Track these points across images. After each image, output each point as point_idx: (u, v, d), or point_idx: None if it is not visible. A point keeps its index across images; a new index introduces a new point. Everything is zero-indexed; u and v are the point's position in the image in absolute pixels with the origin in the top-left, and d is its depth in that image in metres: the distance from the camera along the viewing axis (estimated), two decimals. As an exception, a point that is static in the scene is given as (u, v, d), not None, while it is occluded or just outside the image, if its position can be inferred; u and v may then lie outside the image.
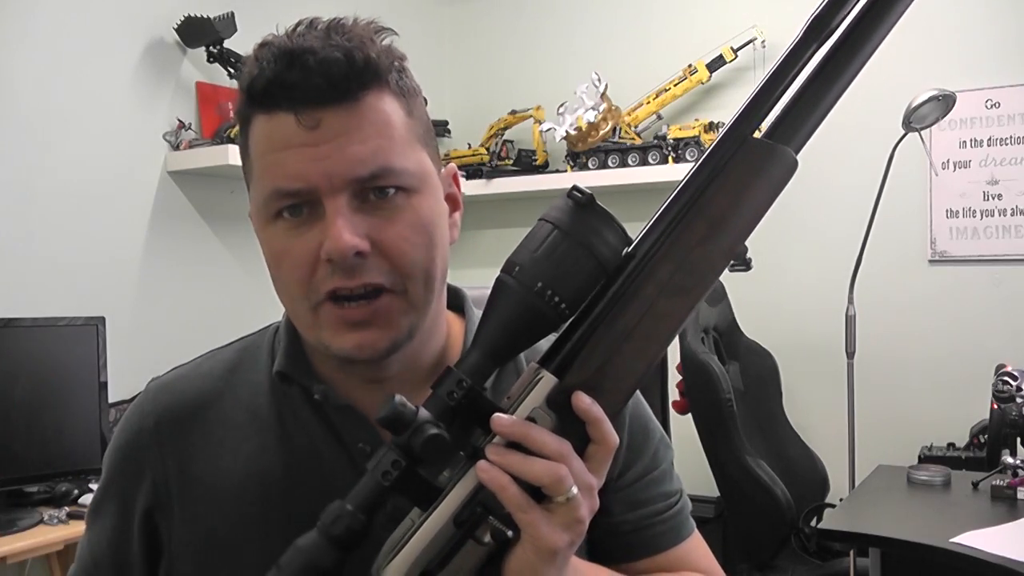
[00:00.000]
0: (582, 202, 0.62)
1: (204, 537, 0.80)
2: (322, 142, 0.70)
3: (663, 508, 0.87)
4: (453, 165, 0.84)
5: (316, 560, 0.62)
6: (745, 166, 0.63)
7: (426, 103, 0.80)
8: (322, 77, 0.69)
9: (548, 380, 0.63)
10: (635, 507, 0.85)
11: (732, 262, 0.65)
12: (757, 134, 0.65)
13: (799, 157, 0.65)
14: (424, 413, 0.62)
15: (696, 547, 0.89)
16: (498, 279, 0.64)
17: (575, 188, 0.63)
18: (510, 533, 0.63)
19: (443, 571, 0.63)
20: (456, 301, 0.88)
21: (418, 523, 0.63)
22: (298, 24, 0.73)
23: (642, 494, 0.85)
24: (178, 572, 0.82)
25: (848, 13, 0.64)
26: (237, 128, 0.79)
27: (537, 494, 0.62)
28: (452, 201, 0.82)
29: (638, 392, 0.84)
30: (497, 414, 0.63)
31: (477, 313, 0.67)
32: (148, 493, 0.82)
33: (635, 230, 0.66)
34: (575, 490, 0.62)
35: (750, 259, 0.65)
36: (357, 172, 0.70)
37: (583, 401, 0.62)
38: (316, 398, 0.80)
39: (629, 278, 0.64)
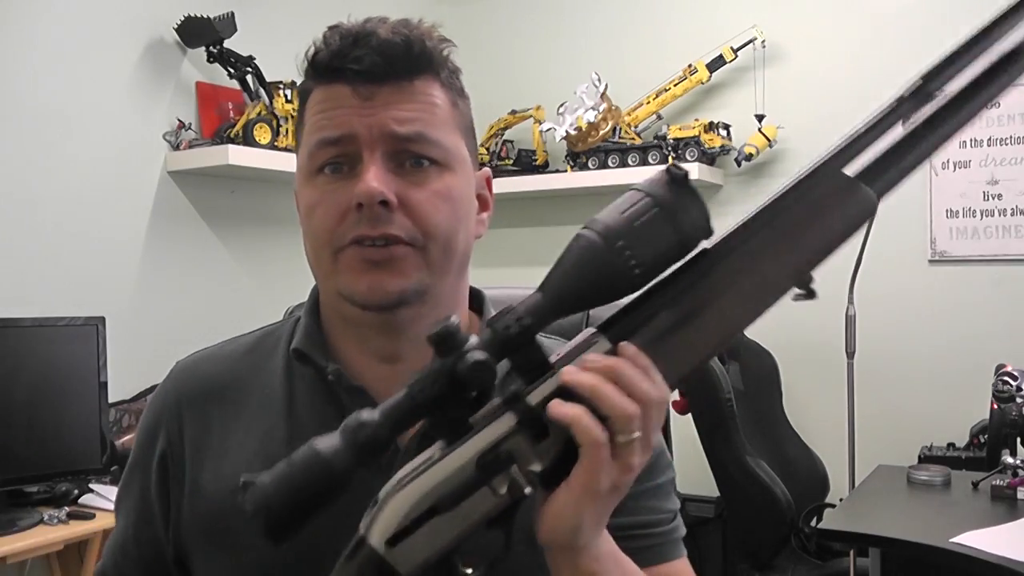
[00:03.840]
0: (677, 177, 0.63)
1: (209, 513, 0.82)
2: (371, 108, 0.77)
3: (654, 522, 0.85)
4: (488, 170, 0.89)
5: (331, 461, 0.59)
6: (829, 196, 0.65)
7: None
8: (381, 56, 0.76)
9: (602, 345, 0.64)
10: (623, 513, 0.77)
11: (797, 290, 0.66)
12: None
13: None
14: (475, 340, 0.61)
15: (683, 571, 0.86)
16: (579, 233, 0.64)
17: (673, 164, 0.64)
18: (528, 490, 0.62)
19: (451, 512, 0.61)
20: (476, 302, 0.90)
21: (439, 456, 0.62)
22: (368, 20, 0.80)
23: (633, 502, 0.80)
24: (183, 546, 0.84)
25: (955, 75, 0.66)
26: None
27: None
28: (482, 202, 0.87)
29: None
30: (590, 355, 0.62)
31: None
32: (162, 449, 0.86)
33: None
34: (637, 434, 0.61)
35: (814, 289, 0.66)
36: (396, 129, 0.77)
37: (628, 349, 0.62)
38: (329, 379, 0.82)
39: (701, 268, 0.65)
